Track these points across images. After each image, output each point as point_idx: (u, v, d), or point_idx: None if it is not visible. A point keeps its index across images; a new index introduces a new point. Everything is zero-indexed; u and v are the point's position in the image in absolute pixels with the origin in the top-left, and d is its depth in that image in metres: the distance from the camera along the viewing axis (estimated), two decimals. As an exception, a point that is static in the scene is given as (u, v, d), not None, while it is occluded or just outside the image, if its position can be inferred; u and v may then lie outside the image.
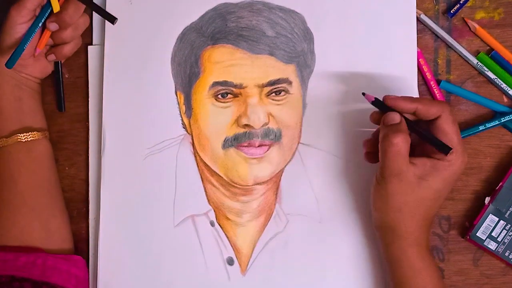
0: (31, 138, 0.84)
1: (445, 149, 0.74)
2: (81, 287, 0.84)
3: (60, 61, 0.89)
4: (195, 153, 0.87)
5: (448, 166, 0.75)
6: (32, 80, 0.87)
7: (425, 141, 0.76)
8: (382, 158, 0.76)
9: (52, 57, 0.86)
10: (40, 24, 0.82)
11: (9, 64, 0.81)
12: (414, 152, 0.78)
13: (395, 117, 0.76)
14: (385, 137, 0.75)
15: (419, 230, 0.77)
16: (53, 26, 0.83)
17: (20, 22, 0.82)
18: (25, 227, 0.83)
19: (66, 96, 0.90)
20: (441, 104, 0.77)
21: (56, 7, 0.82)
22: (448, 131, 0.75)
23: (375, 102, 0.78)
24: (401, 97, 0.77)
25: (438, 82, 0.87)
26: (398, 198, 0.76)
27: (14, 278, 0.79)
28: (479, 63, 0.86)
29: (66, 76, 0.91)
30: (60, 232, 0.86)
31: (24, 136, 0.84)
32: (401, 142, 0.74)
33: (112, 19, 0.83)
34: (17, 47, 0.82)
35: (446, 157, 0.75)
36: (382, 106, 0.78)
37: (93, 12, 0.88)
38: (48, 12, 0.83)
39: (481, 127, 0.86)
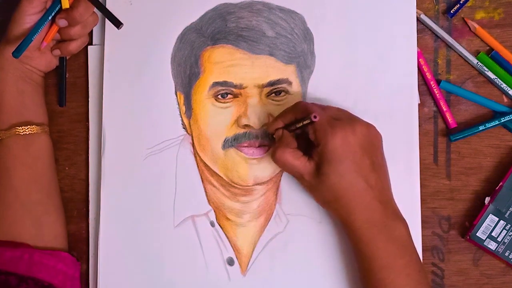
0: (29, 132, 0.84)
1: (309, 117, 0.76)
2: (69, 284, 0.84)
3: (66, 57, 0.89)
4: (195, 153, 0.87)
5: (325, 144, 0.76)
6: (36, 73, 0.87)
7: (299, 128, 0.79)
8: None
9: (57, 52, 0.86)
10: (50, 17, 0.83)
11: (16, 54, 0.81)
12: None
13: (276, 134, 0.82)
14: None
15: (365, 212, 0.76)
16: (62, 22, 0.83)
17: (30, 12, 0.83)
18: (15, 222, 0.83)
19: (66, 96, 0.90)
20: (295, 104, 0.81)
21: (65, 4, 0.83)
22: (309, 111, 0.77)
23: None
24: (275, 118, 0.83)
25: (438, 82, 0.87)
26: (318, 195, 0.79)
27: (0, 272, 0.79)
28: (479, 63, 0.86)
29: (66, 76, 0.90)
30: (52, 229, 0.86)
31: (22, 129, 0.84)
32: (278, 156, 0.79)
33: (118, 24, 0.83)
34: (25, 37, 0.82)
35: (317, 138, 0.77)
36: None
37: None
38: (58, 6, 0.83)
39: (481, 127, 0.86)
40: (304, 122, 0.77)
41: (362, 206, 0.76)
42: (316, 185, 0.78)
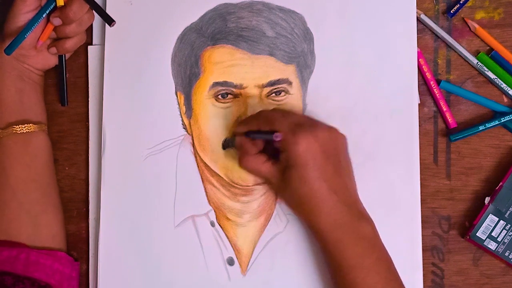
0: (26, 130, 0.84)
1: (271, 135, 0.77)
2: (66, 284, 0.84)
3: (65, 55, 0.89)
4: (195, 153, 0.87)
5: (288, 151, 0.76)
6: (34, 72, 0.87)
7: (262, 138, 0.80)
8: None
9: (53, 50, 0.86)
10: (44, 15, 0.83)
11: (8, 51, 0.81)
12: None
13: (236, 142, 0.83)
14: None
15: (330, 215, 0.77)
16: (56, 21, 0.83)
17: (24, 11, 0.82)
18: (12, 221, 0.83)
19: (67, 96, 0.90)
20: (258, 112, 0.82)
21: (59, 2, 0.83)
22: (271, 120, 0.79)
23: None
24: (238, 124, 0.84)
25: (438, 82, 0.87)
26: (284, 199, 0.82)
27: None
28: (479, 63, 0.86)
29: (66, 75, 0.90)
30: (50, 229, 0.85)
31: (19, 128, 0.84)
32: (242, 164, 0.81)
33: (110, 21, 0.83)
34: (18, 34, 0.82)
35: (279, 142, 0.77)
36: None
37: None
38: (53, 5, 0.83)
39: (481, 127, 0.86)
40: (267, 138, 0.79)
41: (326, 210, 0.77)
42: (282, 188, 0.79)
